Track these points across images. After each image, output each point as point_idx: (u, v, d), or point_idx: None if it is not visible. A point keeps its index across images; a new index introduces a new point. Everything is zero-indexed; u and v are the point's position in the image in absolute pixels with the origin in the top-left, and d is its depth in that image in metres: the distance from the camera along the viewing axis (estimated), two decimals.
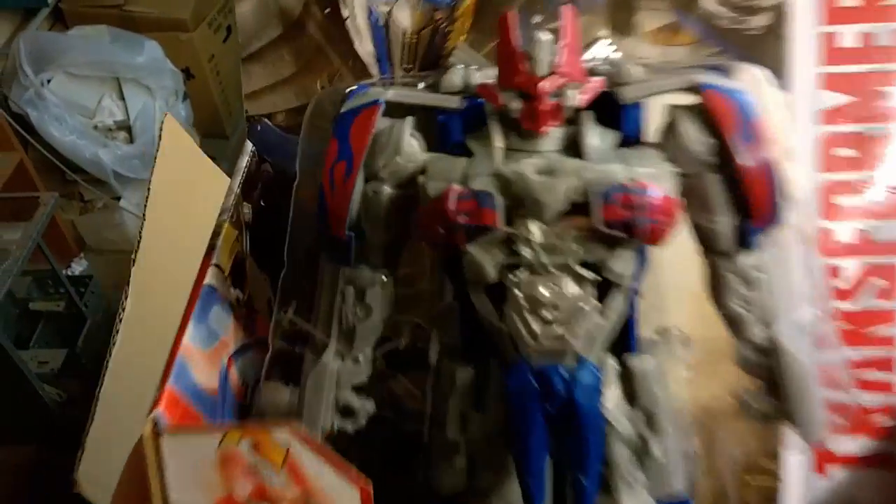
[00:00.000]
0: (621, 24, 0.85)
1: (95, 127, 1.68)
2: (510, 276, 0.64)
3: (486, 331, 0.68)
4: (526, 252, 0.63)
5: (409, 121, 0.69)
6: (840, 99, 0.84)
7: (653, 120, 0.69)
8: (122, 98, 1.70)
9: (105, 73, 1.68)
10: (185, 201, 0.88)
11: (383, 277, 0.72)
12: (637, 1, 0.85)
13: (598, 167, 0.64)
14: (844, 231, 0.86)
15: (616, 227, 0.61)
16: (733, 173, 0.66)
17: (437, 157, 0.69)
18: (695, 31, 0.85)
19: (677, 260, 0.80)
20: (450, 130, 0.70)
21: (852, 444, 0.89)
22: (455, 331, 0.72)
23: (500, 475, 0.70)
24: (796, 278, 0.70)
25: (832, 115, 0.84)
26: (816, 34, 0.84)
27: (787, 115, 0.75)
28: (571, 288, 0.63)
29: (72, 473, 0.64)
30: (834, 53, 0.84)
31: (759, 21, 0.84)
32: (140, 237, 0.96)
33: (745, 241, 0.67)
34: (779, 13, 0.83)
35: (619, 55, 0.85)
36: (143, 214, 0.97)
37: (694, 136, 0.66)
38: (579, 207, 0.63)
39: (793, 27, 0.84)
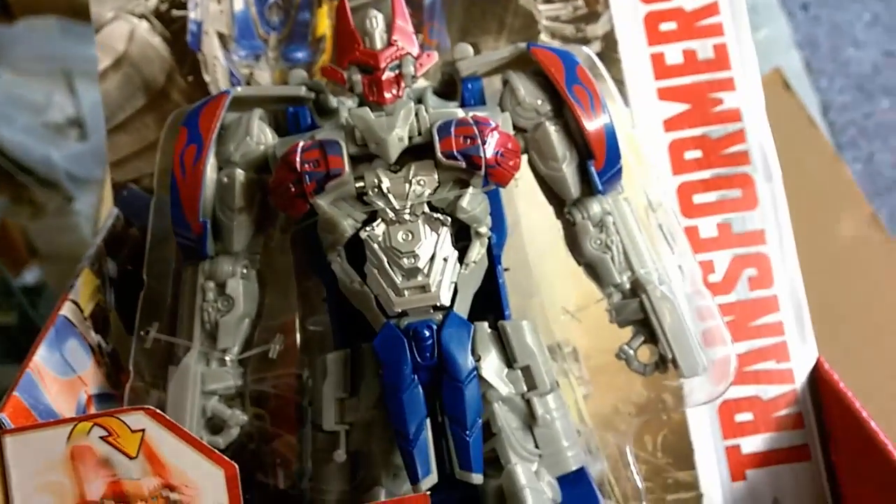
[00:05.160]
0: None
1: (45, 125, 1.56)
2: (366, 229, 0.65)
3: (353, 306, 0.67)
4: (377, 200, 0.65)
5: (258, 111, 0.73)
6: (678, 108, 0.91)
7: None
8: (74, 93, 1.58)
9: (55, 66, 1.57)
10: None
11: (244, 269, 0.71)
12: (475, 39, 0.92)
13: (437, 110, 0.68)
14: (707, 226, 0.89)
15: (456, 156, 0.64)
16: (569, 119, 0.70)
17: (288, 138, 0.71)
18: None
19: (559, 280, 0.82)
20: (300, 119, 0.74)
21: (762, 442, 0.87)
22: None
23: (384, 469, 0.66)
24: (643, 241, 0.73)
25: (674, 122, 0.91)
26: (647, 55, 0.92)
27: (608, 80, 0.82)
28: (427, 234, 0.64)
29: None
30: (664, 69, 0.92)
31: (592, 49, 0.92)
32: None
33: (592, 187, 0.70)
34: (609, 40, 0.92)
35: None
36: None
37: (528, 89, 0.71)
38: (423, 150, 0.65)
39: (624, 50, 0.92)
